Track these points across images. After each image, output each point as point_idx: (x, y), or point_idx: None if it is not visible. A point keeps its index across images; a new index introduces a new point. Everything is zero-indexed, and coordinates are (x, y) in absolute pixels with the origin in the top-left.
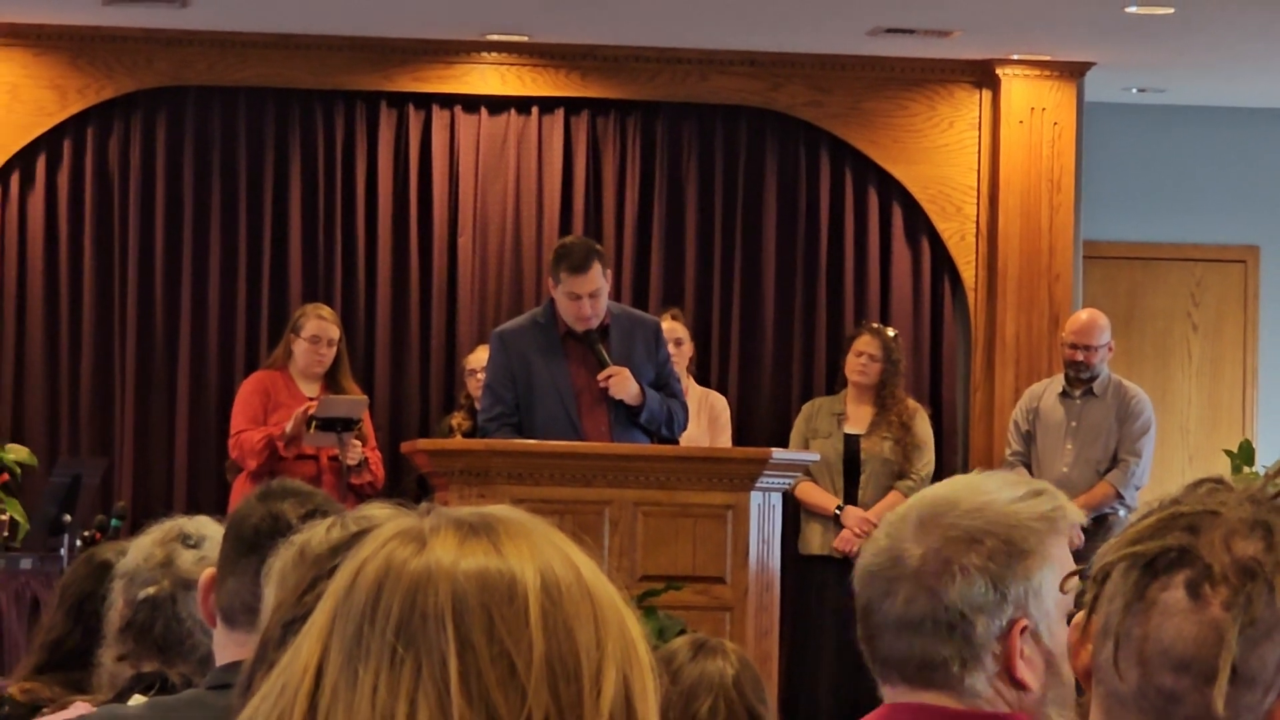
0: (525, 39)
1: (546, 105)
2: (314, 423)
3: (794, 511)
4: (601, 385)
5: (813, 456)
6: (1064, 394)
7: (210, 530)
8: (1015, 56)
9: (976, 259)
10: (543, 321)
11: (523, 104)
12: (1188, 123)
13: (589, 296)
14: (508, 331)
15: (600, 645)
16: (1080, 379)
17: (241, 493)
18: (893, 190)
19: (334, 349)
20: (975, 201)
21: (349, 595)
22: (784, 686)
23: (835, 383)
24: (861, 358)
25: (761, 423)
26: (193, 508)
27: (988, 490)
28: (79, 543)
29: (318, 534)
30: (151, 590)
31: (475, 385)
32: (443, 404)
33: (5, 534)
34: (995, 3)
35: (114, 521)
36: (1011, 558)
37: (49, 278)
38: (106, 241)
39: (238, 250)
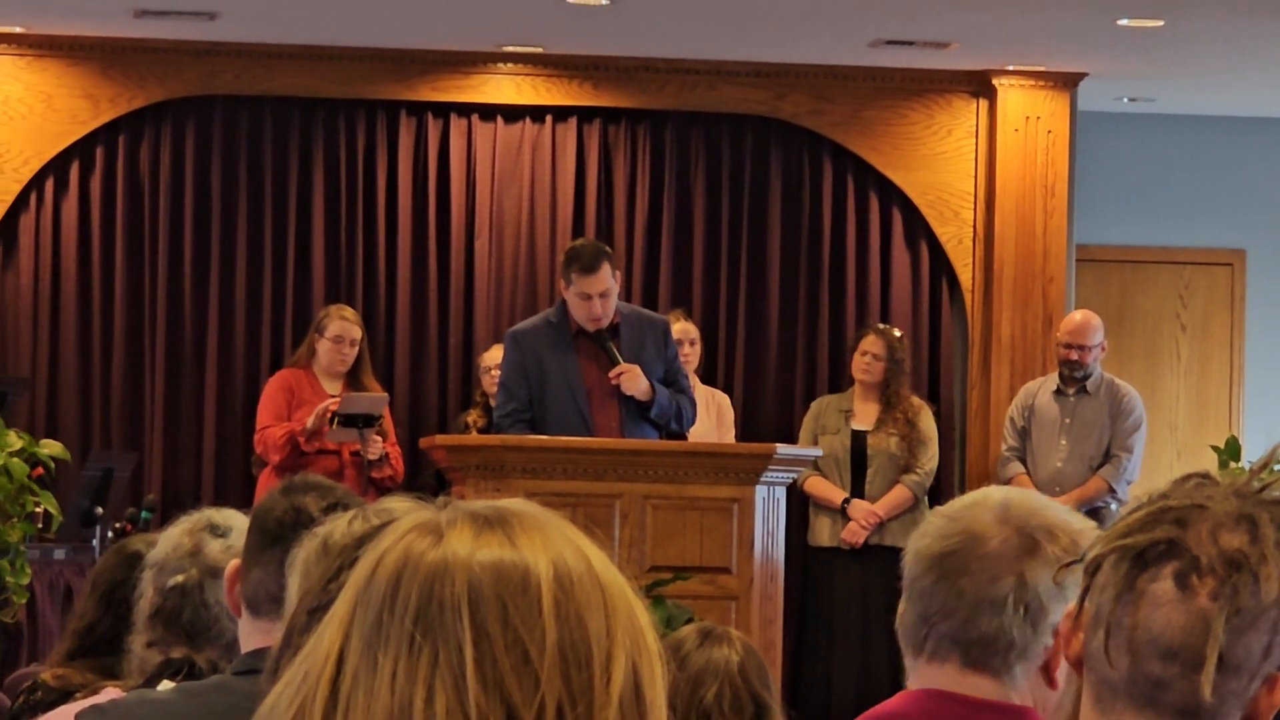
0: (540, 50)
1: (560, 114)
2: (336, 419)
3: (803, 505)
4: (613, 382)
5: (816, 452)
6: (1058, 392)
7: (236, 521)
8: (1011, 67)
9: (973, 262)
10: (555, 321)
11: (537, 113)
12: (1177, 131)
13: (599, 296)
14: (522, 331)
15: (610, 633)
16: (1074, 378)
17: (266, 486)
18: (892, 196)
19: (356, 348)
20: (972, 206)
21: (369, 585)
22: (793, 673)
23: (841, 381)
24: (866, 357)
25: (766, 419)
26: (220, 500)
27: (1044, 500)
28: (110, 534)
29: (340, 526)
30: (180, 579)
31: (491, 383)
32: (460, 401)
33: (40, 525)
34: (991, 16)
35: (144, 514)
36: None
37: (82, 279)
38: (137, 245)
39: (263, 253)
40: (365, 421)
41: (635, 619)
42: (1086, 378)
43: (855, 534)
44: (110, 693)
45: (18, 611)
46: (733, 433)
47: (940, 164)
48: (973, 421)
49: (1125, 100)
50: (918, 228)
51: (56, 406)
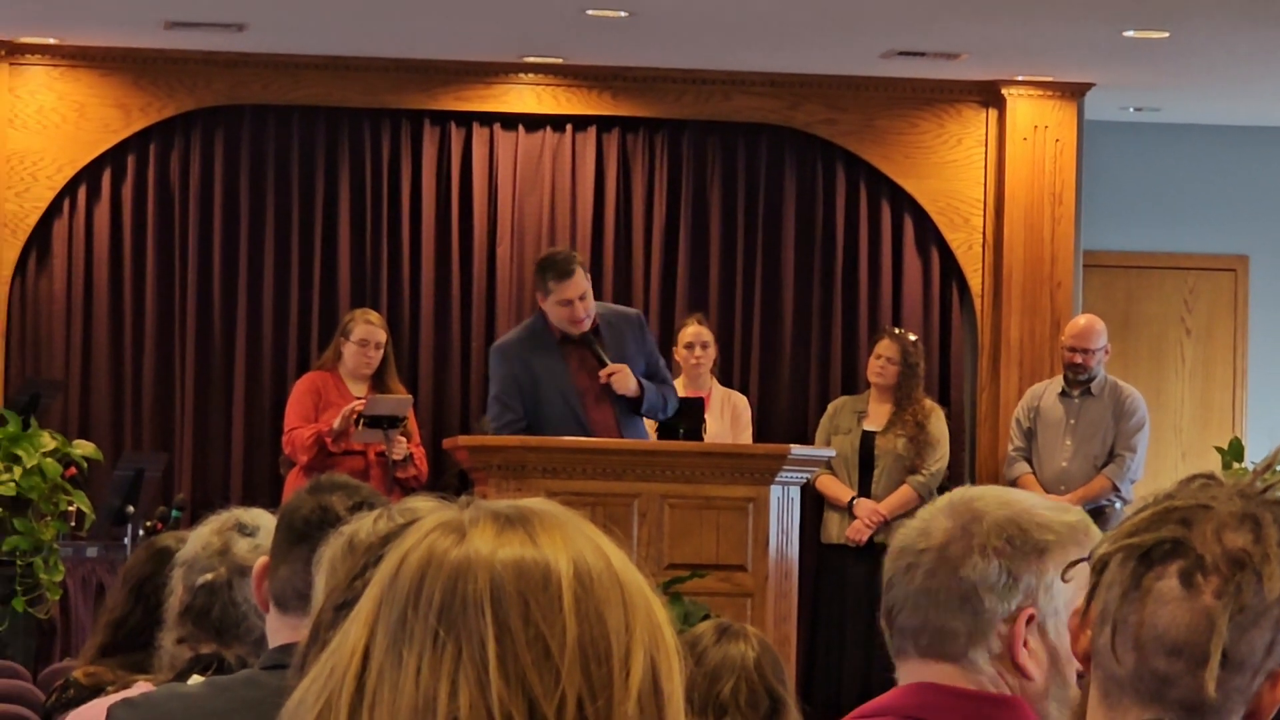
0: (560, 61)
1: (580, 123)
2: (362, 420)
3: (816, 502)
4: (604, 383)
5: (829, 453)
6: (1063, 394)
7: (264, 521)
8: (1019, 78)
9: (983, 267)
10: (539, 330)
11: (558, 122)
12: (1181, 140)
13: (578, 300)
14: (507, 344)
15: (629, 629)
16: (1078, 380)
17: (294, 486)
18: (904, 203)
19: (381, 351)
20: (982, 214)
21: (394, 583)
22: (805, 667)
23: (854, 383)
24: (880, 360)
25: (780, 420)
26: (248, 499)
27: (1022, 497)
28: (141, 532)
29: (366, 525)
30: (209, 576)
31: None
32: (482, 403)
33: (73, 524)
34: (1000, 27)
35: (174, 512)
36: (1028, 550)
37: (113, 284)
38: (167, 250)
39: (290, 258)
40: (390, 423)
41: (653, 615)
42: (1091, 380)
43: (859, 532)
44: (141, 687)
45: (51, 607)
46: (749, 433)
47: (951, 172)
48: (982, 423)
49: (1131, 110)
50: (929, 234)
51: (89, 408)
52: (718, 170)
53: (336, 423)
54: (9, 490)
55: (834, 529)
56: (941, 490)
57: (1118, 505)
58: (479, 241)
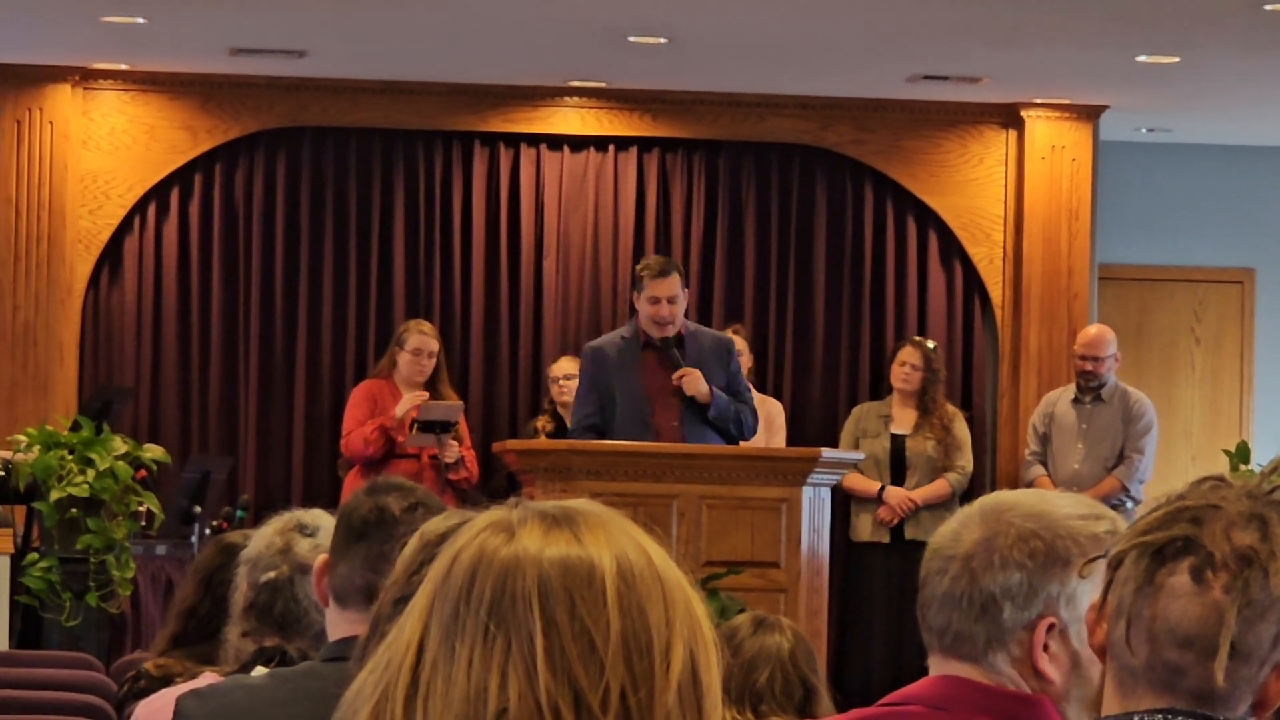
0: (603, 85)
1: (622, 144)
2: (416, 425)
3: (844, 502)
4: (675, 384)
5: (858, 456)
6: (1075, 400)
7: (324, 521)
8: (1038, 100)
9: (1003, 280)
10: (628, 336)
11: (601, 143)
12: (1192, 159)
13: (667, 301)
14: (596, 346)
15: (669, 623)
16: (1090, 387)
17: (352, 487)
18: (929, 219)
19: (434, 360)
20: (1002, 229)
21: (447, 579)
22: (836, 660)
23: (881, 389)
24: (905, 367)
25: (812, 425)
26: (308, 500)
27: (1054, 503)
28: (208, 531)
29: (435, 523)
30: (272, 574)
31: (559, 391)
32: (530, 408)
33: (143, 523)
34: (1019, 52)
35: (239, 513)
36: (1051, 562)
37: (181, 296)
38: (232, 264)
39: (348, 271)
40: (442, 427)
41: (692, 610)
42: (1101, 386)
43: (891, 512)
44: (208, 678)
45: (122, 602)
46: (782, 436)
47: (973, 190)
48: (1002, 427)
49: (1144, 131)
50: (952, 248)
51: (158, 413)
52: (752, 188)
53: (400, 410)
54: (83, 491)
55: (865, 528)
56: (965, 492)
57: (1128, 504)
58: (526, 256)
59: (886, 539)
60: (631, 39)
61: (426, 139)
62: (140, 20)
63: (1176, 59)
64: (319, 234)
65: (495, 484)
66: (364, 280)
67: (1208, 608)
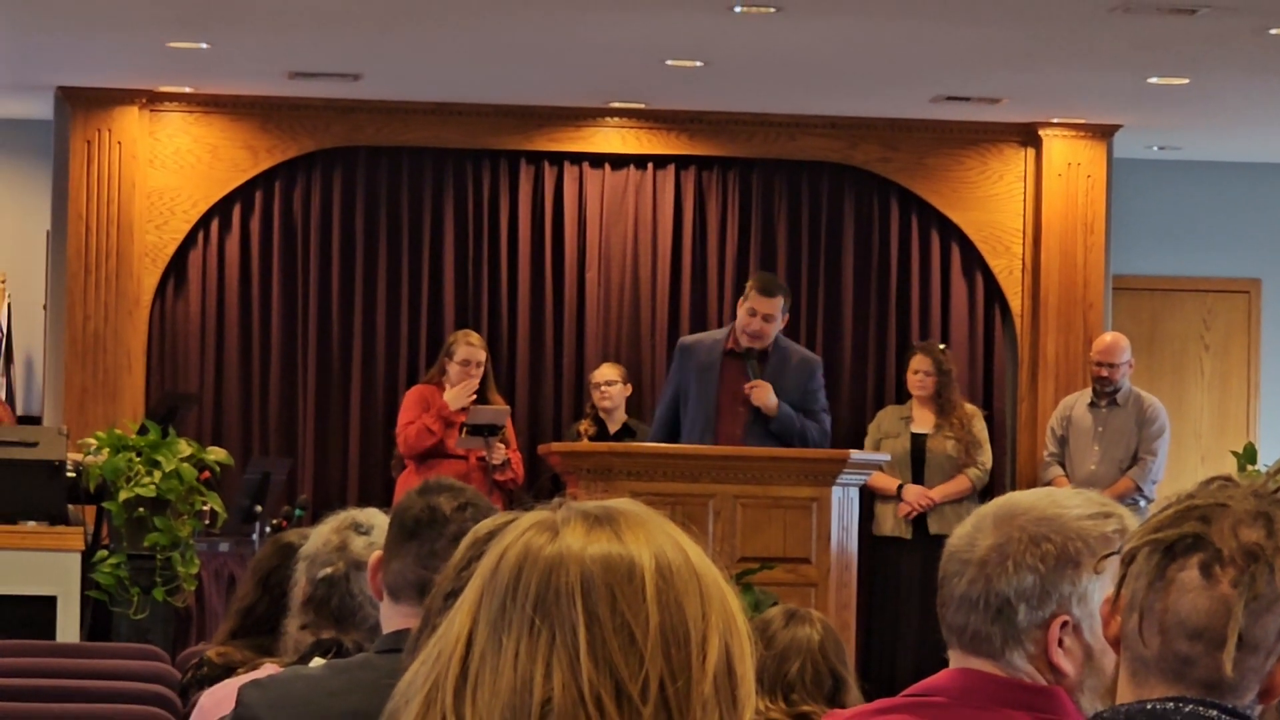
0: (643, 106)
1: (660, 162)
2: (465, 429)
3: (867, 499)
4: (745, 393)
5: (884, 457)
6: (1092, 404)
7: (378, 520)
8: (1055, 120)
9: (1022, 290)
10: (719, 338)
11: (640, 161)
12: (1201, 176)
13: (763, 317)
14: (686, 345)
15: (706, 617)
16: (1105, 392)
17: (404, 487)
18: (951, 233)
19: (481, 369)
20: (1021, 242)
21: (494, 576)
22: (863, 649)
23: (903, 393)
24: (919, 375)
25: (842, 426)
26: (363, 500)
27: (1064, 504)
28: (268, 529)
29: (485, 523)
30: (329, 570)
31: (600, 397)
32: (573, 412)
33: (206, 522)
34: (1037, 75)
35: (297, 511)
36: (1063, 563)
37: (242, 306)
38: (290, 277)
39: (401, 283)
40: (490, 431)
41: (727, 604)
42: (1116, 391)
43: (906, 510)
44: (268, 668)
45: (187, 597)
46: None
47: (993, 205)
48: (1022, 430)
49: (1155, 149)
50: (973, 260)
51: (221, 417)
52: (784, 203)
53: (454, 398)
54: (150, 492)
55: (887, 522)
56: (984, 489)
57: (1141, 504)
58: (569, 268)
59: (909, 534)
60: (669, 63)
61: (475, 157)
62: (204, 46)
63: (1186, 81)
64: (373, 248)
65: (540, 484)
66: (416, 291)
67: (1216, 601)
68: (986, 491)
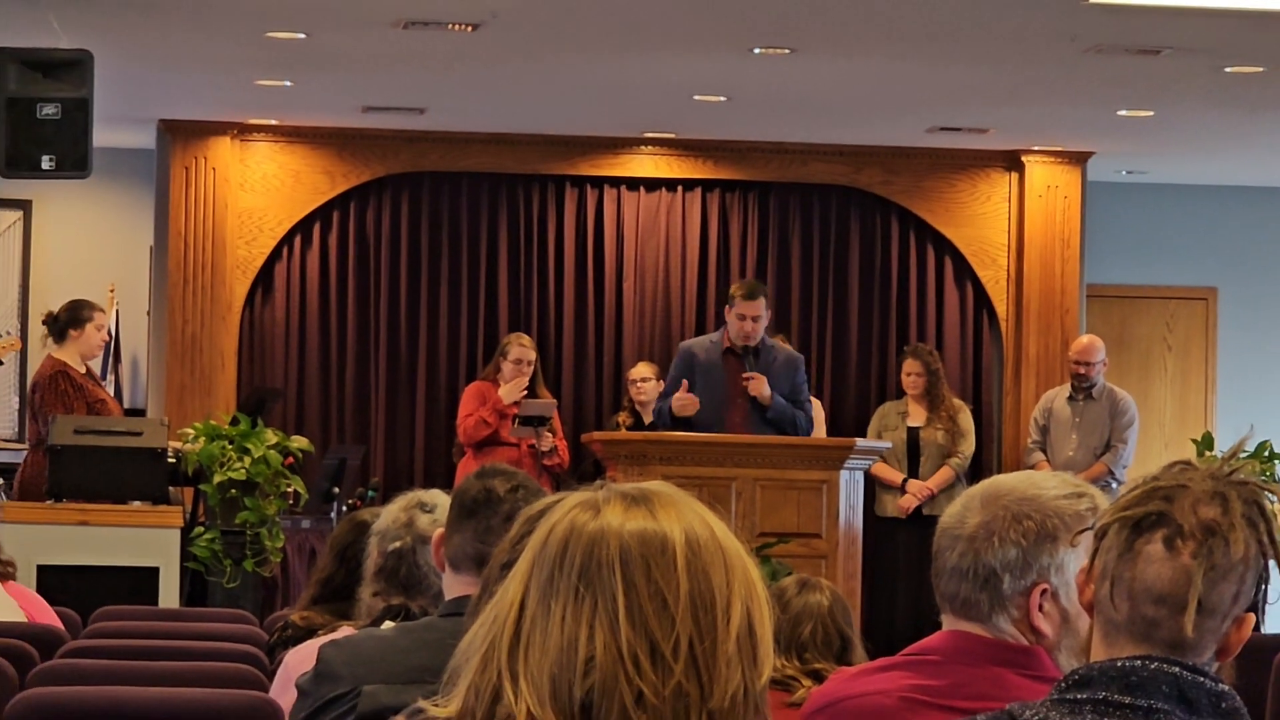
0: (673, 136)
1: (688, 185)
2: (517, 420)
3: (871, 484)
4: (743, 384)
5: (885, 445)
6: (1070, 398)
7: (441, 500)
8: (1035, 148)
9: (1007, 298)
10: (716, 340)
11: (671, 184)
12: (1164, 196)
13: (751, 318)
14: (688, 346)
15: (729, 585)
16: (1082, 387)
17: (464, 471)
18: (945, 247)
19: (531, 367)
20: (1006, 255)
21: (543, 549)
22: (866, 614)
23: (901, 389)
24: (910, 376)
25: (848, 419)
26: (428, 482)
27: (1043, 485)
28: (344, 508)
29: (538, 503)
30: (397, 544)
31: (636, 391)
32: (612, 405)
33: (290, 502)
34: (1020, 108)
35: (370, 493)
36: (1042, 538)
37: (322, 314)
38: (363, 286)
39: (460, 291)
40: (539, 421)
41: (748, 573)
42: (1092, 387)
43: (909, 502)
44: (345, 630)
45: (273, 568)
46: (823, 429)
47: (981, 222)
48: (1007, 420)
49: (1124, 173)
50: (964, 272)
51: (303, 410)
52: (797, 221)
53: (507, 394)
54: (241, 475)
55: (888, 505)
56: (974, 473)
57: (1113, 485)
58: (609, 279)
59: (905, 515)
60: (696, 97)
61: (526, 181)
62: (288, 84)
63: (1151, 113)
64: (436, 261)
65: (584, 469)
66: (473, 298)
67: (1178, 571)
68: (974, 475)
